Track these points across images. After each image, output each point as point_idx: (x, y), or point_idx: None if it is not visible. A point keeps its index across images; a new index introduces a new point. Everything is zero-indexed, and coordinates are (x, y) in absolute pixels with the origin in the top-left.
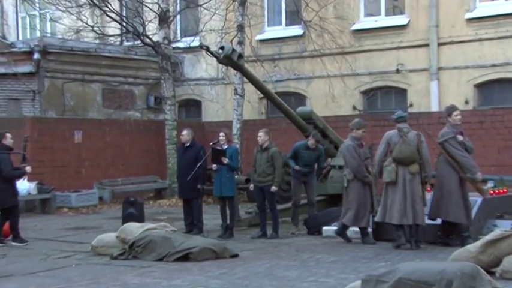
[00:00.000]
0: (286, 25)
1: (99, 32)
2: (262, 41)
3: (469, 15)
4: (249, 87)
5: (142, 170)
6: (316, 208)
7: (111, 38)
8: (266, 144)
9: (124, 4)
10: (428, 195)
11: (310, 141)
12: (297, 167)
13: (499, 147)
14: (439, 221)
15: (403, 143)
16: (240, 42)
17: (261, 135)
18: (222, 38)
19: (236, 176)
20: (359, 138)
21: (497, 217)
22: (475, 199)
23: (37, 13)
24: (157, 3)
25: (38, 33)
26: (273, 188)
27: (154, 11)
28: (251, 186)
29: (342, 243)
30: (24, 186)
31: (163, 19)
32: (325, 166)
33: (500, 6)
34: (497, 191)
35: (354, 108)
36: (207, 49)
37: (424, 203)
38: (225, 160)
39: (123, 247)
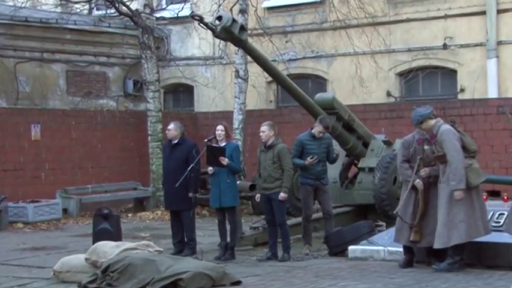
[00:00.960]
0: None
1: None
2: (270, 8)
3: None
4: (254, 69)
5: (119, 174)
6: (341, 221)
7: (76, 6)
8: (271, 141)
9: None
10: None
11: (317, 129)
12: (308, 160)
13: None
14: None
15: (464, 137)
16: (242, 11)
17: (265, 130)
18: (220, 6)
19: (238, 182)
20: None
21: None
22: None
23: None
24: None
25: None
26: (282, 196)
27: None
28: (257, 196)
29: (372, 267)
30: None
31: None
32: (334, 157)
33: None
34: None
35: (389, 94)
36: (200, 20)
37: None
38: (225, 161)
39: (95, 272)
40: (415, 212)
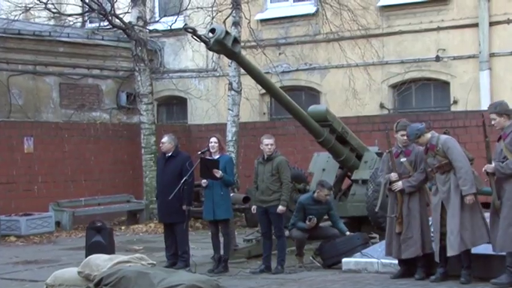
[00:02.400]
0: (294, 1)
1: (54, 10)
2: (263, 21)
3: None
4: (248, 81)
5: (112, 187)
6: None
7: (69, 19)
8: (270, 153)
9: None
10: None
11: (321, 193)
12: (307, 223)
13: None
14: None
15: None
16: (236, 23)
17: (271, 142)
18: (213, 18)
19: (232, 194)
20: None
21: None
22: None
23: None
24: None
25: None
26: (280, 208)
27: None
28: (253, 208)
29: (366, 279)
30: None
31: None
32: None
33: None
34: None
35: (382, 106)
36: (194, 32)
37: None
38: (218, 173)
39: (88, 286)
40: (394, 204)
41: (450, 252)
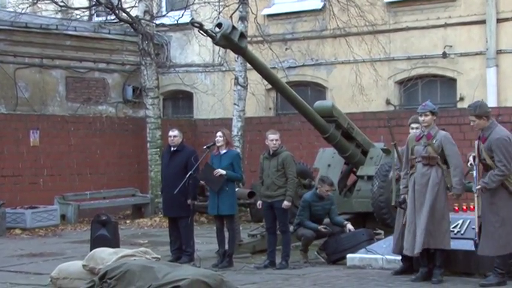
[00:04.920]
0: None
1: (61, 3)
2: (270, 16)
3: None
4: (254, 76)
5: (117, 180)
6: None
7: (76, 12)
8: (275, 149)
9: None
10: None
11: (323, 188)
12: (322, 227)
13: None
14: None
15: None
16: (242, 18)
17: (276, 138)
18: (220, 13)
19: (237, 189)
20: None
21: None
22: None
23: None
24: None
25: None
26: (285, 204)
27: None
28: (259, 203)
29: (371, 276)
30: None
31: None
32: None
33: None
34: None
35: (388, 102)
36: (200, 27)
37: None
38: (218, 172)
39: (92, 279)
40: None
41: (415, 250)
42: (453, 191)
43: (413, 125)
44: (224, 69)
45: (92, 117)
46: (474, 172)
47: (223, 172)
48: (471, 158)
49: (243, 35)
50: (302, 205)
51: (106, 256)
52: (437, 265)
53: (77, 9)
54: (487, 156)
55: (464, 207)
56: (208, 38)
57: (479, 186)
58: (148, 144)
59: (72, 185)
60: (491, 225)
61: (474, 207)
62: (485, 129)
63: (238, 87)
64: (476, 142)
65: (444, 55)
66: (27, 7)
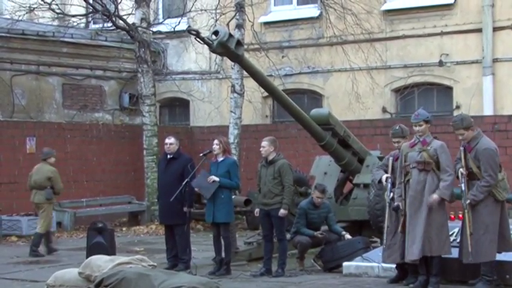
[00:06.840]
0: (298, 4)
1: (58, 10)
2: (267, 24)
3: None
4: (250, 84)
5: (113, 188)
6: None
7: (73, 19)
8: (272, 157)
9: None
10: None
11: (314, 195)
12: (318, 233)
13: None
14: None
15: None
16: (239, 26)
17: (265, 146)
18: (216, 20)
19: (233, 197)
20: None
21: None
22: None
23: None
24: None
25: None
26: (282, 212)
27: None
28: (256, 210)
29: (367, 284)
30: None
31: None
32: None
33: None
34: None
35: (384, 110)
36: (197, 34)
37: None
38: (211, 179)
39: (88, 286)
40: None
41: (410, 257)
42: (437, 192)
43: (394, 139)
44: (221, 76)
45: (89, 125)
46: (462, 185)
47: (217, 179)
48: (459, 172)
49: (239, 43)
50: (298, 213)
51: (102, 263)
52: (434, 273)
53: (73, 16)
54: (474, 165)
55: (460, 216)
56: (205, 45)
57: (468, 201)
58: (144, 152)
59: (68, 192)
60: (475, 232)
61: (463, 220)
62: (472, 140)
63: (235, 94)
64: (461, 149)
65: (440, 63)
66: (24, 14)
